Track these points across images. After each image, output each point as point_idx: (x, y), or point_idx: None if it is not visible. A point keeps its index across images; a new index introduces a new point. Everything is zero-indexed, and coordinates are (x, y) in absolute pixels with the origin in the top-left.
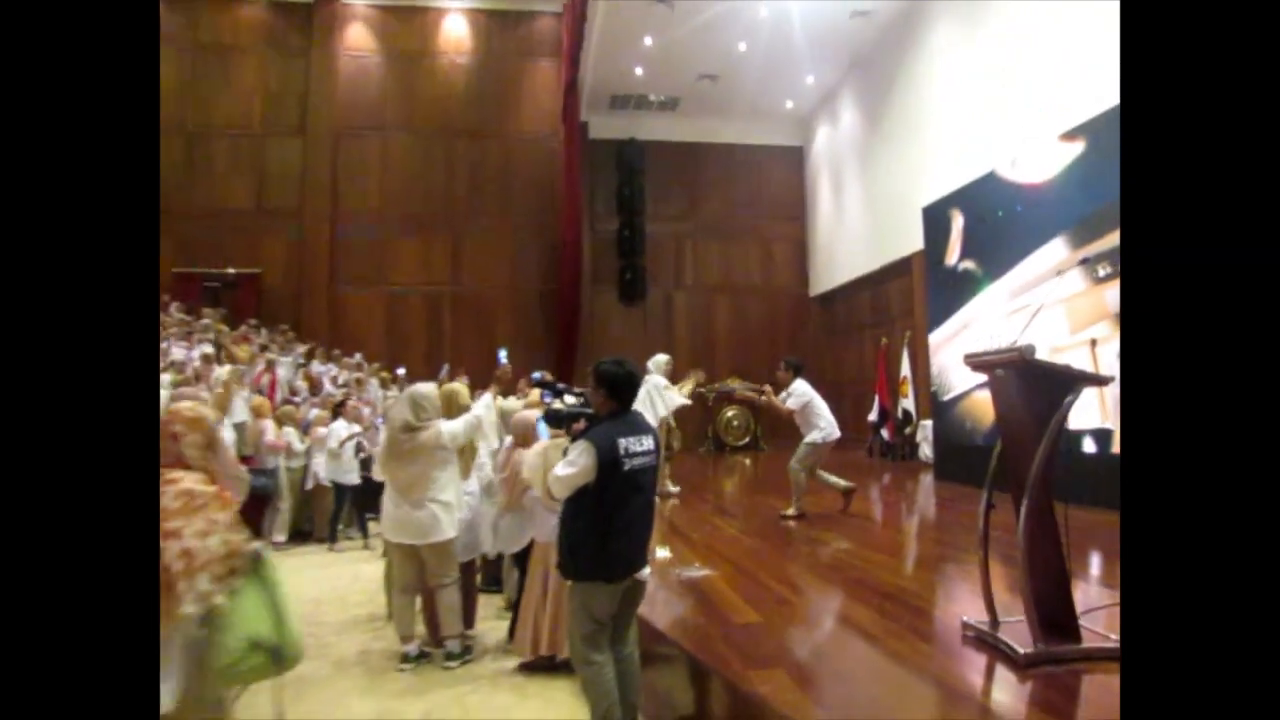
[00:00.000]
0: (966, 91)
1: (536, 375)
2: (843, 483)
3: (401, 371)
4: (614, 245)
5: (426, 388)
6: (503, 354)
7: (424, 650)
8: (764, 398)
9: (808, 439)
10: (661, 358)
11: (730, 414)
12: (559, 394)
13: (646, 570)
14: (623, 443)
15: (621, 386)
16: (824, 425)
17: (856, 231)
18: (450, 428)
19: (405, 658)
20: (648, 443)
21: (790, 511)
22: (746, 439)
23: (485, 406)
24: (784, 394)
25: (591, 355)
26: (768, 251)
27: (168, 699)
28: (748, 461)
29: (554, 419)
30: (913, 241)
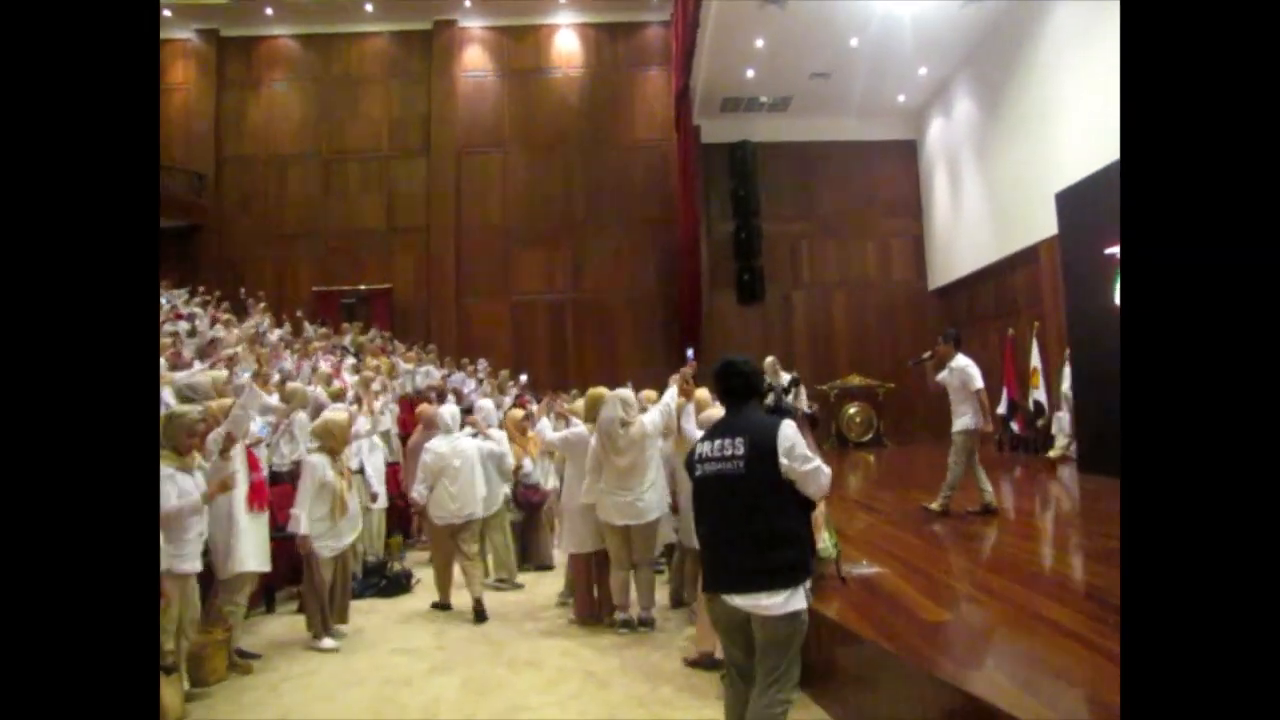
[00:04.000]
0: (1101, 71)
1: (690, 353)
2: (989, 493)
3: (524, 378)
4: (731, 247)
5: (627, 391)
6: (691, 353)
7: (628, 619)
8: (929, 360)
9: (962, 425)
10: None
11: (852, 410)
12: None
13: (754, 601)
14: (702, 447)
15: (720, 384)
16: (977, 409)
17: (976, 223)
18: (650, 418)
19: (623, 623)
20: (737, 446)
21: (934, 506)
22: (869, 435)
23: (672, 396)
24: (946, 370)
25: (712, 357)
26: (884, 247)
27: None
28: (871, 458)
29: None
30: (1039, 229)
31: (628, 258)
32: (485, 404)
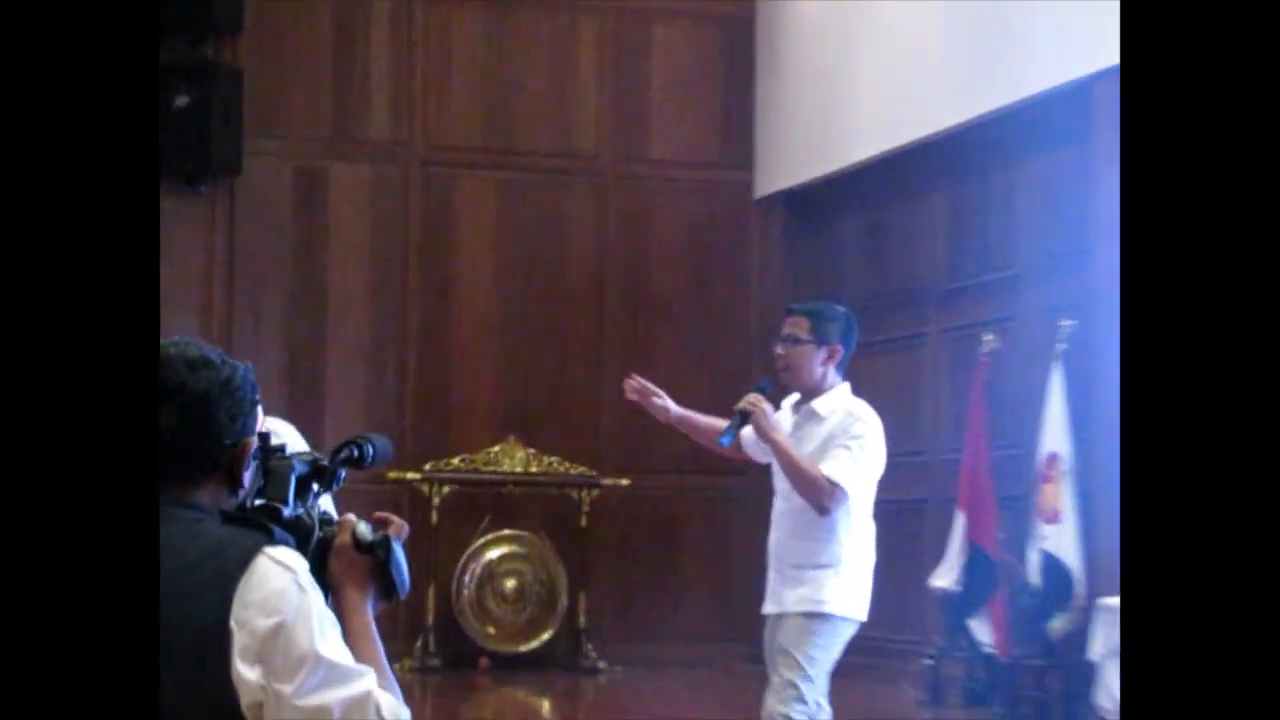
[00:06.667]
0: None
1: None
2: None
3: None
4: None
5: None
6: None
7: None
8: (749, 413)
9: (825, 606)
10: None
11: (494, 554)
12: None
13: None
14: None
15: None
16: (867, 549)
17: (907, 20)
18: None
19: None
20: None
21: None
22: (547, 634)
23: None
24: (798, 405)
25: None
26: (639, 53)
27: None
28: (547, 706)
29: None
30: (1086, 49)
31: None
32: None
